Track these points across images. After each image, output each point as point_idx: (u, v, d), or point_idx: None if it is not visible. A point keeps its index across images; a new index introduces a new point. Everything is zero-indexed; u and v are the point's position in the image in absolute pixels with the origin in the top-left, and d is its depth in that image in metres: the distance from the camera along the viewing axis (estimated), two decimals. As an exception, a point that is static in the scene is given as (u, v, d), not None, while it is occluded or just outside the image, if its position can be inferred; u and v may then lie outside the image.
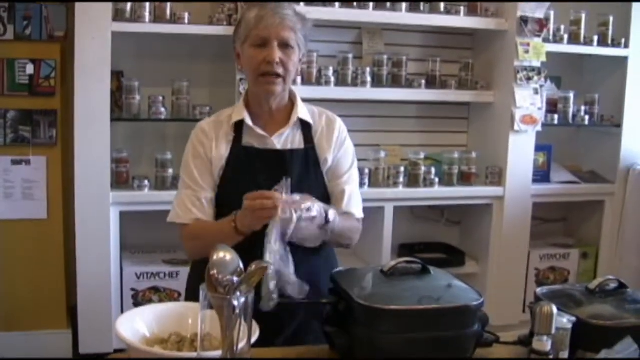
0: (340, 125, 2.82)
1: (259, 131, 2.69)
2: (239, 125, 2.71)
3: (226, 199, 2.66)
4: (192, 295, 2.67)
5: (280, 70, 2.61)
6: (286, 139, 2.72)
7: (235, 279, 1.86)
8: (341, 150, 2.78)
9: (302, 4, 4.18)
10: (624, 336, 2.15)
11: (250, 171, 2.65)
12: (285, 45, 2.61)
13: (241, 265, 1.91)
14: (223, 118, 2.76)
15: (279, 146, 2.70)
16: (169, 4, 4.17)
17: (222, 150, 2.69)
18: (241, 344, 1.81)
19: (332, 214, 2.51)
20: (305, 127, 2.75)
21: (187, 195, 2.70)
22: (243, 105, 2.74)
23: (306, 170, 2.70)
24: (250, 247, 2.32)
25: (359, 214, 2.79)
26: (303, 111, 2.76)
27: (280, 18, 2.59)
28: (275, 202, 2.35)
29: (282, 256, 2.29)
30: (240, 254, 1.94)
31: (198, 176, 2.69)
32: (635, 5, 5.05)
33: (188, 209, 2.68)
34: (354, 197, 2.77)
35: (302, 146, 2.73)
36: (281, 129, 2.71)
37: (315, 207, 2.42)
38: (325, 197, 2.73)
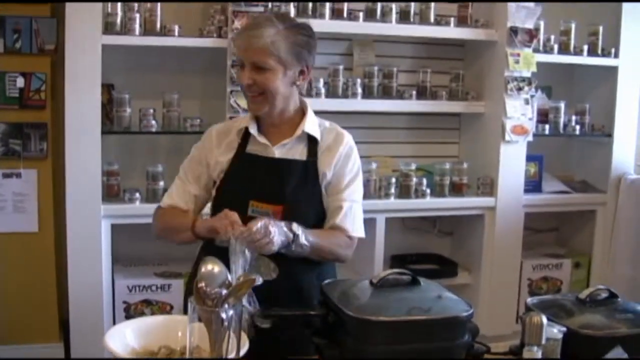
0: (347, 142, 2.83)
1: (262, 140, 2.74)
2: (247, 133, 2.77)
3: (223, 201, 2.72)
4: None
5: (255, 91, 2.65)
6: (288, 149, 2.75)
7: (224, 291, 1.86)
8: (343, 166, 2.78)
9: (291, 16, 4.20)
10: (614, 346, 2.16)
11: (248, 176, 2.72)
12: (260, 67, 2.62)
13: (229, 278, 1.91)
14: (234, 125, 2.84)
15: (278, 155, 2.73)
16: (158, 17, 4.17)
17: (222, 156, 2.77)
18: (230, 357, 1.81)
19: (297, 229, 2.55)
20: (311, 140, 2.77)
21: (175, 185, 2.87)
22: (252, 114, 2.77)
23: (303, 183, 2.72)
24: None
25: (354, 232, 2.79)
26: (311, 125, 2.78)
27: (248, 42, 2.61)
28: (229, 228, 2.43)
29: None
30: None
31: (189, 172, 2.84)
32: (624, 15, 5.06)
33: (171, 196, 2.85)
34: (351, 214, 2.77)
35: (303, 158, 2.74)
36: (285, 140, 2.74)
37: (276, 236, 2.46)
38: (320, 211, 2.77)
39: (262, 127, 2.77)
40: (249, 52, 2.61)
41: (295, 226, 2.53)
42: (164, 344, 2.10)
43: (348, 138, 2.84)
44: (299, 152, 2.75)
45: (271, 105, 2.68)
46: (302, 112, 2.80)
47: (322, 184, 2.75)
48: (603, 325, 2.30)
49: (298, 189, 2.70)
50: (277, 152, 2.73)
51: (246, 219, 2.48)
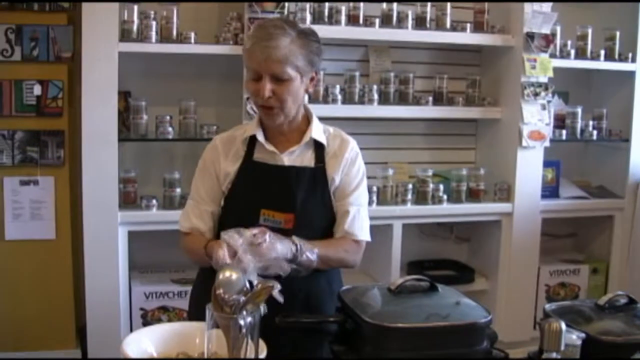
0: (353, 147, 2.81)
1: (270, 147, 2.72)
2: (252, 141, 2.74)
3: (234, 212, 2.72)
4: (195, 304, 2.77)
5: (273, 103, 2.62)
6: (297, 156, 2.74)
7: (242, 298, 1.86)
8: (349, 171, 2.77)
9: (307, 22, 4.20)
10: (634, 352, 2.15)
11: (257, 185, 2.69)
12: (278, 78, 2.59)
13: (247, 285, 1.90)
14: (238, 133, 2.81)
15: (287, 163, 2.71)
16: (175, 24, 4.17)
17: (230, 166, 2.74)
18: (248, 363, 1.81)
19: (298, 241, 2.52)
20: (318, 147, 2.76)
21: (190, 206, 2.81)
22: (257, 121, 2.76)
23: (313, 189, 2.71)
24: None
25: (361, 236, 2.77)
26: (317, 131, 2.76)
27: (267, 53, 2.55)
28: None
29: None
30: None
31: (202, 189, 2.79)
32: (642, 19, 5.05)
33: (189, 219, 2.79)
34: (358, 218, 2.76)
35: (312, 165, 2.73)
36: (292, 147, 2.73)
37: (277, 243, 2.42)
38: (330, 217, 2.76)
39: (268, 134, 2.74)
40: (268, 63, 2.56)
41: (295, 239, 2.51)
42: (181, 350, 2.09)
43: (353, 143, 2.83)
44: (307, 159, 2.74)
45: (287, 115, 2.67)
46: (306, 118, 2.79)
47: (331, 189, 2.75)
48: (622, 331, 2.29)
49: (308, 196, 2.69)
50: (286, 159, 2.72)
51: None
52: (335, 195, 2.75)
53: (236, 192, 2.73)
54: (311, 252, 2.51)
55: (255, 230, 2.40)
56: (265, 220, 2.63)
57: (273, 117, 2.66)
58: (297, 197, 2.66)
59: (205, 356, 1.89)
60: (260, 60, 2.57)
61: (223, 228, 2.67)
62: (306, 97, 2.83)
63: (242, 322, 1.80)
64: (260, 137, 2.72)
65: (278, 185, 2.68)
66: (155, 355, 2.09)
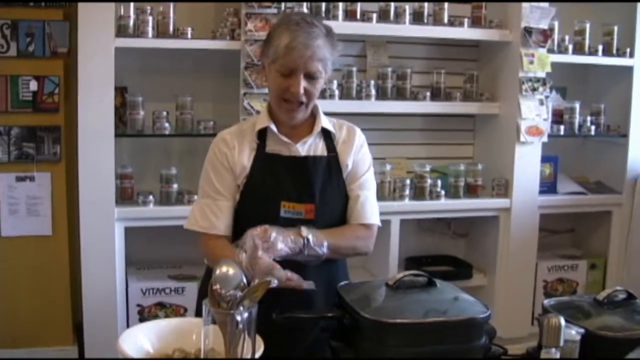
0: (359, 133, 2.86)
1: (284, 138, 2.72)
2: (263, 133, 2.73)
3: (251, 205, 2.70)
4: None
5: (303, 99, 2.63)
6: (310, 146, 2.75)
7: (239, 293, 1.85)
8: (359, 155, 2.81)
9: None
10: (633, 347, 2.14)
11: (275, 177, 2.68)
12: (311, 76, 2.61)
13: (244, 280, 1.89)
14: (245, 127, 2.80)
15: (303, 153, 2.72)
16: (171, 20, 4.16)
17: (244, 158, 2.72)
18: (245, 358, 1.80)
19: (307, 233, 2.51)
20: (327, 136, 2.78)
21: (206, 204, 2.73)
22: (267, 114, 2.76)
23: (329, 178, 2.72)
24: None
25: (372, 220, 2.79)
26: (325, 121, 2.79)
27: (311, 51, 2.57)
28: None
29: None
30: None
31: (218, 185, 2.72)
32: (639, 14, 5.03)
33: (206, 217, 2.71)
34: (368, 203, 2.78)
35: (325, 154, 2.75)
36: (305, 137, 2.73)
37: (279, 242, 2.41)
38: (345, 204, 2.77)
39: (279, 127, 2.74)
40: (308, 62, 2.59)
41: (304, 231, 2.50)
42: (178, 346, 2.08)
43: (359, 130, 2.87)
44: (320, 149, 2.76)
45: (307, 110, 2.71)
46: (312, 111, 2.79)
47: (345, 176, 2.76)
48: (621, 326, 2.28)
49: (326, 184, 2.71)
50: (300, 149, 2.72)
51: (279, 222, 2.50)
52: (347, 180, 2.78)
53: (253, 185, 2.70)
54: (320, 247, 2.51)
55: (258, 229, 2.39)
56: (286, 212, 2.64)
57: (297, 112, 2.68)
58: (315, 187, 2.67)
59: (202, 352, 1.87)
60: (301, 58, 2.58)
61: (242, 223, 2.65)
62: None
63: (239, 318, 1.79)
64: (274, 127, 2.72)
65: (296, 176, 2.68)
66: (151, 351, 2.08)
